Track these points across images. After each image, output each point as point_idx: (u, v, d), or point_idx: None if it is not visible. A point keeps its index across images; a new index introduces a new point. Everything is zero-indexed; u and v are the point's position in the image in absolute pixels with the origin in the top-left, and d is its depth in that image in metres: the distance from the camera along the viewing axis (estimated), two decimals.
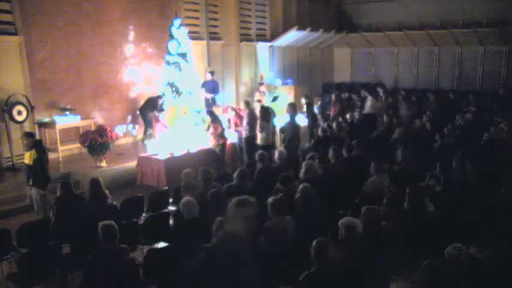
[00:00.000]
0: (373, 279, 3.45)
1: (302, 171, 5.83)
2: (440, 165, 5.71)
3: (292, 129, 8.78)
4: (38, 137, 8.79)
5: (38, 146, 6.38)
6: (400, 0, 16.21)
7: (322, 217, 4.62)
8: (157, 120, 9.05)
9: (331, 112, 11.86)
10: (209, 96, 11.07)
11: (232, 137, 9.47)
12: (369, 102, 12.90)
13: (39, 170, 6.32)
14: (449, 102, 13.44)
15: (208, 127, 8.72)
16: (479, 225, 4.15)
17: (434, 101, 13.11)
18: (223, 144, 8.78)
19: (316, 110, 11.62)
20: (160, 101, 9.40)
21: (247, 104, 9.36)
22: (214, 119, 8.68)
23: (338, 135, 8.83)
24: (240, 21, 13.49)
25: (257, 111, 9.31)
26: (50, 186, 6.56)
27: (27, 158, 6.30)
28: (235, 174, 5.94)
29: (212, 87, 11.22)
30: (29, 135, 6.55)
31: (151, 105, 9.97)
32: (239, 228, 2.72)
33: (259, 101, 10.93)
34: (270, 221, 4.43)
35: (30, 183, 6.37)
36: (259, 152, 6.80)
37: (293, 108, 8.97)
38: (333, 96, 12.33)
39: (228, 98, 12.85)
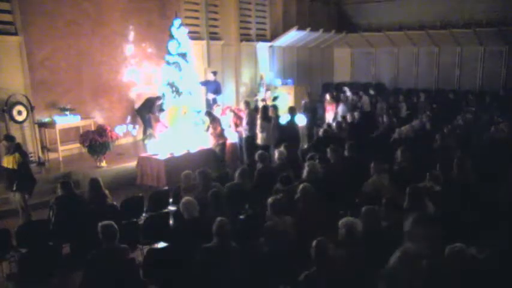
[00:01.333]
0: (373, 279, 3.44)
1: (305, 171, 5.83)
2: (440, 165, 5.70)
3: (278, 130, 8.85)
4: (38, 137, 8.83)
5: (20, 149, 6.22)
6: (400, 0, 16.21)
7: (322, 217, 4.62)
8: (158, 120, 9.05)
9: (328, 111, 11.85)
10: (211, 96, 11.07)
11: (232, 137, 9.46)
12: (366, 99, 13.01)
13: (26, 174, 6.16)
14: (449, 102, 13.45)
15: (208, 127, 8.72)
16: (479, 225, 4.14)
17: (425, 100, 13.16)
18: (223, 144, 8.78)
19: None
20: (158, 102, 9.41)
21: (247, 104, 9.36)
22: (213, 119, 8.68)
23: (338, 135, 8.83)
24: (240, 21, 13.49)
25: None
26: (50, 186, 6.55)
27: (10, 162, 6.05)
28: (236, 173, 5.95)
29: (215, 87, 11.23)
30: (10, 138, 6.33)
31: (149, 106, 9.99)
32: (420, 247, 2.45)
33: (263, 100, 10.98)
34: (270, 221, 4.43)
35: (14, 188, 6.14)
36: (259, 152, 6.81)
37: (274, 110, 9.07)
38: (327, 96, 12.28)
39: (228, 98, 12.85)
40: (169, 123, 8.85)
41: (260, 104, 10.21)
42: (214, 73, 11.39)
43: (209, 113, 8.92)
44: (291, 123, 9.11)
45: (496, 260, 3.44)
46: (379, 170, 5.64)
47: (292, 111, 9.24)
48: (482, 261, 3.43)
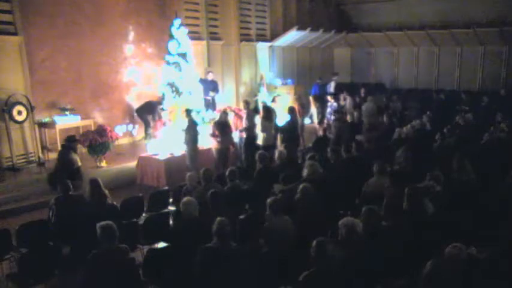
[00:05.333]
0: (373, 279, 3.44)
1: (305, 171, 5.83)
2: (440, 165, 5.70)
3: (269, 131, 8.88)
4: (38, 137, 8.84)
5: None
6: (400, 0, 16.20)
7: (322, 217, 4.61)
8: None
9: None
10: (210, 96, 11.08)
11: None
12: (348, 101, 12.92)
13: None
14: (447, 102, 13.44)
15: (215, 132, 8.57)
16: (479, 225, 4.14)
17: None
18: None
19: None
20: (158, 107, 9.40)
21: (247, 103, 9.35)
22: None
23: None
24: (240, 21, 13.48)
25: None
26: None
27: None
28: (226, 175, 5.95)
29: (213, 87, 11.25)
30: None
31: (148, 108, 9.96)
32: None
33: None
34: (269, 222, 4.43)
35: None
36: (259, 152, 6.81)
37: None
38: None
39: (228, 98, 12.85)
40: (169, 122, 8.85)
41: (260, 104, 10.20)
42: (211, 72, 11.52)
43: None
44: (291, 124, 9.10)
45: (496, 260, 3.44)
46: (381, 170, 5.63)
47: (292, 111, 9.23)
48: (482, 261, 3.43)
